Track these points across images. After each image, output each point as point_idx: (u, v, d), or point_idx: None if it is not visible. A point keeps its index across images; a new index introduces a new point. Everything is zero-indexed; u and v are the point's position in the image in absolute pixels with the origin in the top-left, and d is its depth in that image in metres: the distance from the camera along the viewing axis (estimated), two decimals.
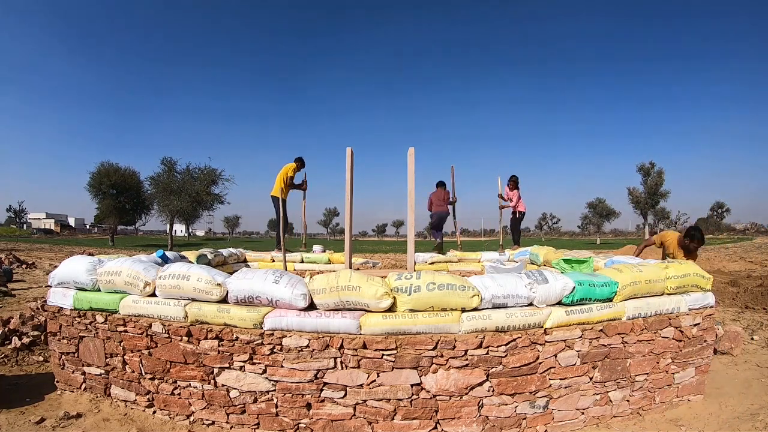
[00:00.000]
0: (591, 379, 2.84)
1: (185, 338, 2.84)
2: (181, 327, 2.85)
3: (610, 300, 2.92)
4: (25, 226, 65.26)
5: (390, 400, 2.62)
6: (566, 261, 3.80)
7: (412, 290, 2.65)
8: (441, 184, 7.71)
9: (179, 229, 57.23)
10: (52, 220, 75.02)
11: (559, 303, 2.83)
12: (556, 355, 2.75)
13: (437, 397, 2.63)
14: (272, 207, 6.97)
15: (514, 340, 2.67)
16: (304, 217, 7.20)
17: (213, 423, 2.83)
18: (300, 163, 7.02)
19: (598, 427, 2.87)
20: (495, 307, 2.75)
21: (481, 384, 2.65)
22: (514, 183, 7.74)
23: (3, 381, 3.40)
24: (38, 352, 4.00)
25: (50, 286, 3.38)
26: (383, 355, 2.60)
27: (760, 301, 6.62)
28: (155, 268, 3.11)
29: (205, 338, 2.79)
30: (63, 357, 3.30)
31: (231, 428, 2.81)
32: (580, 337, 2.79)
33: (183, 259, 4.38)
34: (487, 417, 2.68)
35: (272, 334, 2.70)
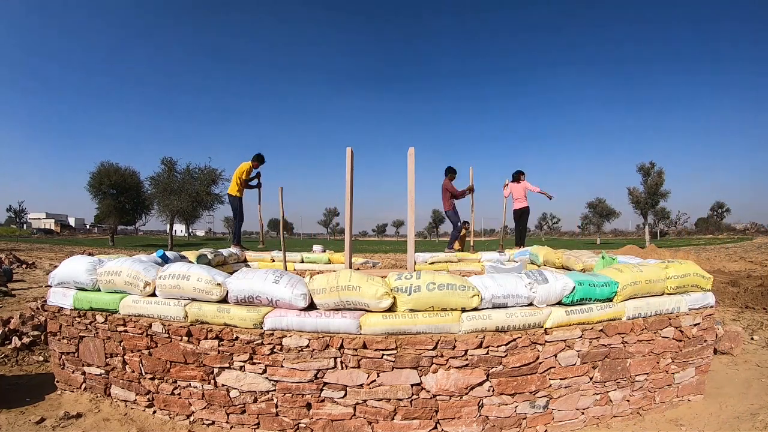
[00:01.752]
0: (591, 379, 2.84)
1: (185, 338, 2.84)
2: (181, 327, 2.85)
3: (611, 300, 2.92)
4: (25, 226, 65.24)
5: (390, 400, 2.62)
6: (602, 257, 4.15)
7: (412, 290, 2.65)
8: (446, 171, 7.05)
9: (179, 229, 57.28)
10: (52, 220, 74.99)
11: (559, 303, 2.83)
12: (556, 355, 2.75)
13: (437, 397, 2.63)
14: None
15: (514, 340, 2.67)
16: (260, 217, 7.18)
17: (213, 423, 2.83)
18: (257, 161, 6.84)
19: (598, 427, 2.87)
20: (495, 307, 2.75)
21: (481, 384, 2.65)
22: (517, 177, 7.28)
23: (3, 381, 3.40)
24: (38, 352, 4.00)
25: (50, 286, 3.38)
26: (383, 354, 2.60)
27: (760, 301, 6.62)
28: (155, 268, 3.11)
29: (205, 338, 2.79)
30: (63, 357, 3.30)
31: (231, 428, 2.80)
32: (580, 337, 2.79)
33: (183, 259, 4.39)
34: (487, 417, 2.68)
35: (272, 334, 2.70)
